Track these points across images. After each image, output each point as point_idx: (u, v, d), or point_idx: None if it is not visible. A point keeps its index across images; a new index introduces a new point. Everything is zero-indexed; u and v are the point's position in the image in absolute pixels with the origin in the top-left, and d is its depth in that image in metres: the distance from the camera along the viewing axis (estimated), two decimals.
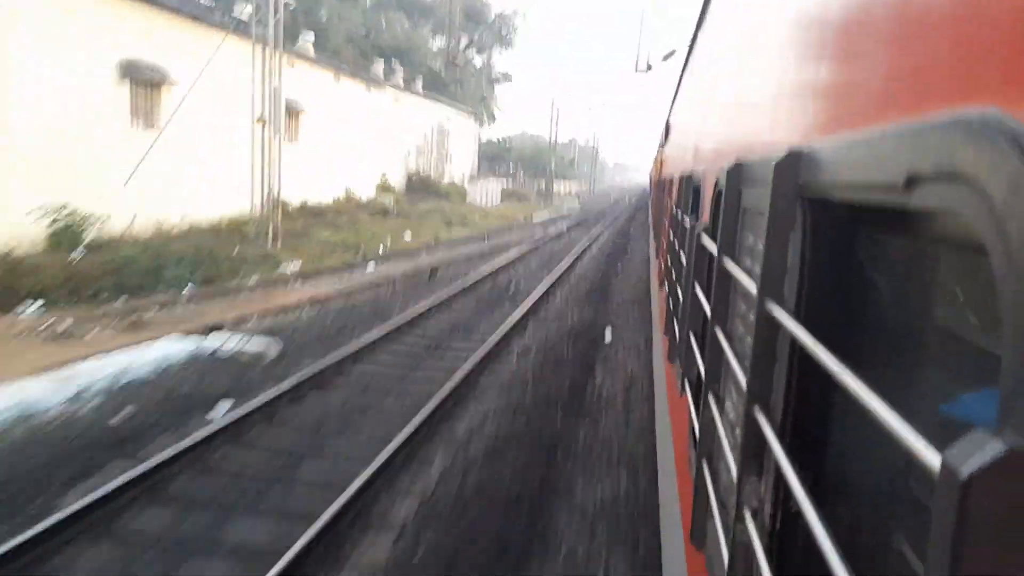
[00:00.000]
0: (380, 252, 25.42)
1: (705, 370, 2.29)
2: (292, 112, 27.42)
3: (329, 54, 36.00)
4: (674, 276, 5.43)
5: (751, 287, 1.59)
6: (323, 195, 30.21)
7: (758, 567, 1.31)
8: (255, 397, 9.20)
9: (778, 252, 1.42)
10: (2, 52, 16.12)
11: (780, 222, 1.41)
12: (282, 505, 6.89)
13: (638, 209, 50.61)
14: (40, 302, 13.91)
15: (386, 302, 16.31)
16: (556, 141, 76.28)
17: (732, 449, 1.75)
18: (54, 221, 16.96)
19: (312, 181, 30.00)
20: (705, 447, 2.21)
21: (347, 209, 32.79)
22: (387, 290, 18.04)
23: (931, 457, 0.65)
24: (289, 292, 17.10)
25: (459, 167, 54.55)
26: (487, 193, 56.01)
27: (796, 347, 1.37)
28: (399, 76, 44.57)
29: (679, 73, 8.74)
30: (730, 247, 2.13)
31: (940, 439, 0.65)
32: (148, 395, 9.50)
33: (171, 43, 21.85)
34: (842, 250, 1.37)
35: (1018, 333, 0.59)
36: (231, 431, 8.27)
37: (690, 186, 4.70)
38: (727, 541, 1.64)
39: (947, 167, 0.73)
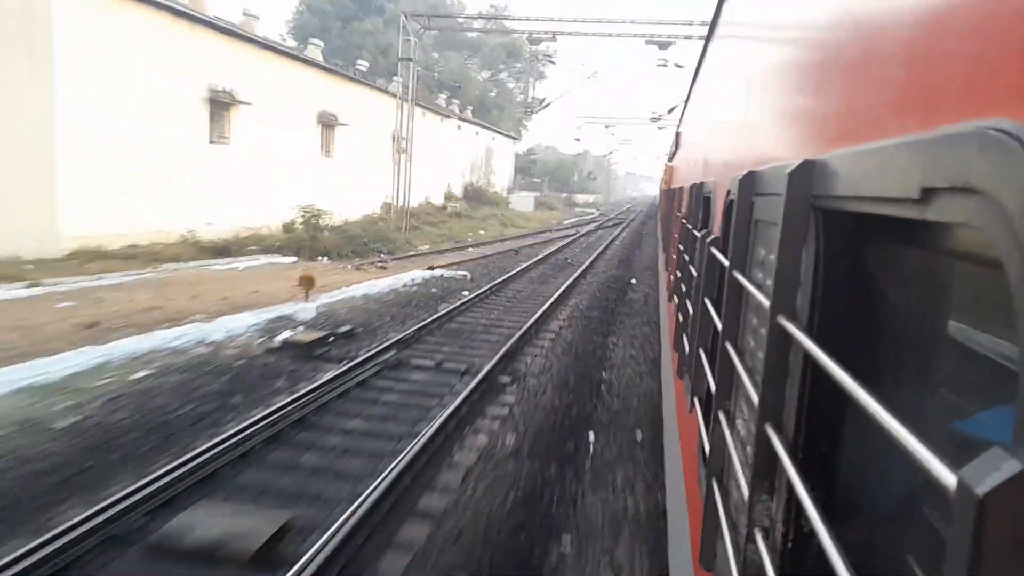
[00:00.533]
0: (470, 240, 31.39)
1: (715, 386, 1.99)
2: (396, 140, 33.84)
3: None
4: (684, 290, 4.79)
5: (763, 300, 1.35)
6: (412, 201, 33.55)
7: None
8: (476, 291, 16.00)
9: (790, 264, 1.21)
10: (266, 128, 25.20)
11: (793, 233, 1.20)
12: (507, 318, 13.37)
13: (649, 216, 53.38)
14: (326, 256, 22.06)
15: (500, 264, 22.69)
16: (581, 162, 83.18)
17: (743, 467, 1.49)
18: (305, 213, 23.61)
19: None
20: (715, 465, 1.90)
21: (428, 212, 38.48)
22: (495, 259, 24.37)
23: (947, 476, 0.55)
24: (439, 259, 23.38)
25: (500, 179, 59.85)
26: (523, 201, 60.36)
27: (809, 362, 1.15)
28: (455, 106, 49.54)
29: (690, 83, 7.47)
30: (741, 259, 1.82)
31: (955, 457, 0.56)
32: (434, 285, 17.44)
33: (344, 100, 30.97)
34: (855, 262, 1.17)
35: None
36: (473, 301, 14.96)
37: (700, 197, 4.12)
38: (737, 562, 1.38)
39: (962, 179, 0.63)
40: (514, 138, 64.98)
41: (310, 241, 22.45)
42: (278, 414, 7.24)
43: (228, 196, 22.94)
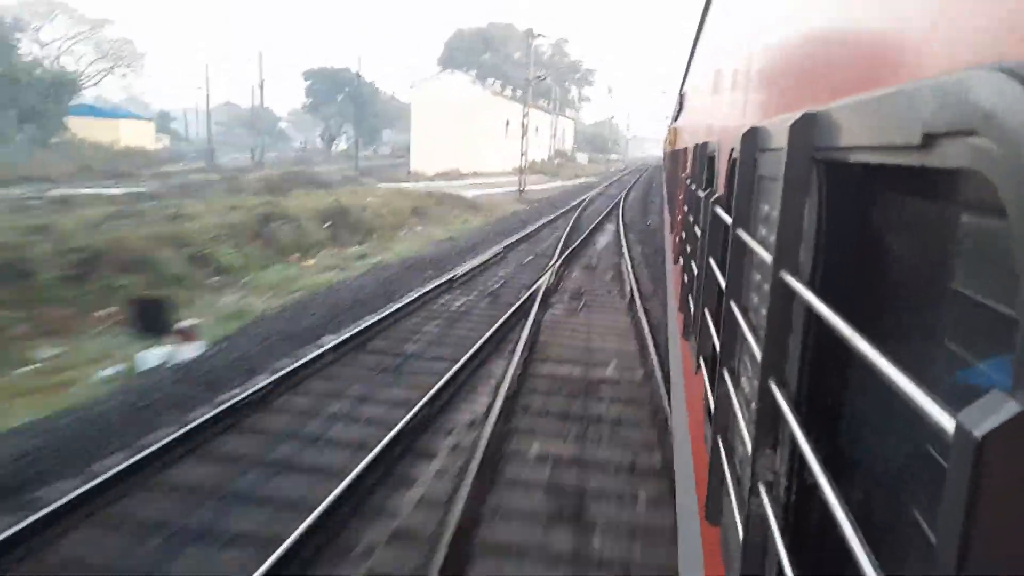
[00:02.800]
0: (575, 176, 65.33)
1: (720, 345, 1.99)
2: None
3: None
4: (688, 251, 4.78)
5: (766, 256, 1.34)
6: (532, 158, 59.95)
7: (773, 540, 1.11)
8: (600, 184, 54.53)
9: (793, 219, 1.20)
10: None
11: (795, 187, 1.18)
12: (615, 189, 48.14)
13: (655, 168, 73.91)
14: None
15: (598, 182, 57.19)
16: (606, 131, 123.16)
17: (747, 423, 1.51)
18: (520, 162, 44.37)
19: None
20: (720, 422, 1.91)
21: (544, 162, 69.74)
22: (597, 181, 59.61)
23: (945, 420, 0.55)
24: (574, 179, 62.22)
25: (567, 145, 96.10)
26: (582, 158, 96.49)
27: (812, 317, 1.15)
28: (543, 101, 77.74)
29: (692, 41, 7.21)
30: (745, 217, 1.81)
31: (957, 405, 0.55)
32: (585, 185, 54.31)
33: (495, 110, 59.42)
34: (858, 215, 1.16)
35: None
36: (601, 187, 50.98)
37: (704, 156, 4.06)
38: (742, 515, 1.39)
39: (964, 122, 0.61)
40: (572, 119, 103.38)
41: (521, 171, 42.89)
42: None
43: (479, 155, 55.15)
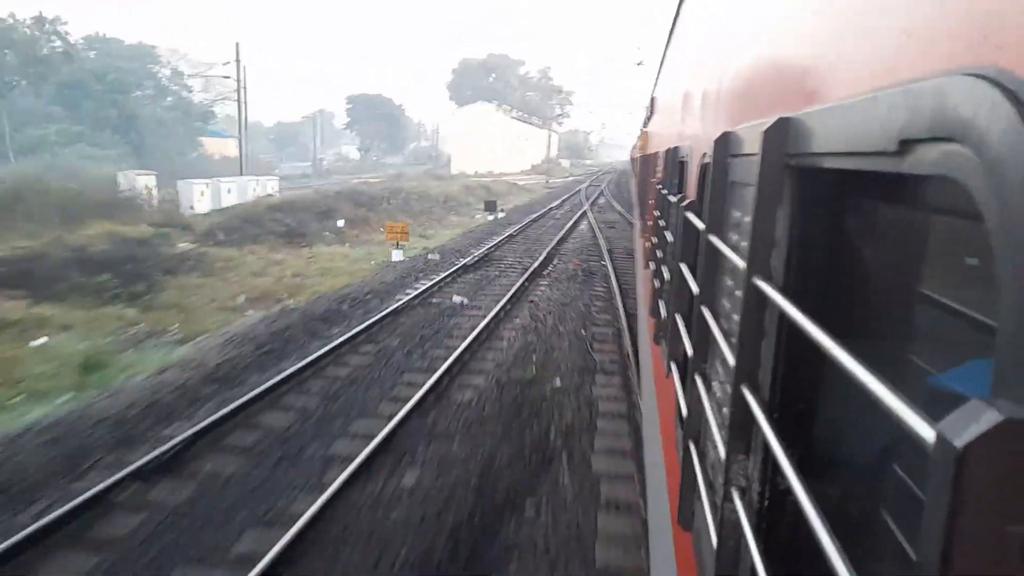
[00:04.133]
0: (567, 175, 74.44)
1: (692, 350, 1.89)
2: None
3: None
4: (660, 256, 4.53)
5: (739, 262, 1.25)
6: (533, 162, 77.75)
7: (746, 545, 1.03)
8: (585, 181, 61.42)
9: (766, 224, 1.10)
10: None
11: (768, 193, 1.09)
12: (587, 183, 56.22)
13: (621, 172, 76.87)
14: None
15: (584, 179, 65.32)
16: (581, 139, 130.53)
17: (720, 428, 1.41)
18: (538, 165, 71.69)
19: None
20: (692, 427, 1.81)
21: (535, 165, 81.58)
22: (582, 178, 67.85)
23: (925, 430, 0.52)
24: (560, 178, 68.30)
25: (553, 152, 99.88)
26: (564, 163, 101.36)
27: (784, 322, 1.06)
28: (536, 118, 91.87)
29: (664, 45, 6.68)
30: (717, 223, 1.70)
31: (933, 412, 0.53)
32: (570, 183, 61.56)
33: (508, 127, 79.65)
34: (832, 221, 1.08)
35: (1014, 300, 0.48)
36: (584, 181, 61.31)
37: (676, 161, 3.87)
38: (715, 521, 1.29)
39: (940, 128, 0.57)
40: (556, 132, 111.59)
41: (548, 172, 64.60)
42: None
43: (503, 162, 71.98)
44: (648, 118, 12.41)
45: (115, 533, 5.24)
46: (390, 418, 7.10)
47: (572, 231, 24.31)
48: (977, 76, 0.53)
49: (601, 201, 39.49)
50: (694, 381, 1.75)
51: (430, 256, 18.00)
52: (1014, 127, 0.47)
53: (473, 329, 10.42)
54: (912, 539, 0.83)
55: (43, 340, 10.11)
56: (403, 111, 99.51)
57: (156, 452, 6.24)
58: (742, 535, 1.07)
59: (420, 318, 11.62)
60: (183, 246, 19.30)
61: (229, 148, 66.39)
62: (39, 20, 45.17)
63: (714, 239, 1.62)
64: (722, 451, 1.28)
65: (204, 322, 11.59)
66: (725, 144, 1.61)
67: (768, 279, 1.09)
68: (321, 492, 5.64)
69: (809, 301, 0.92)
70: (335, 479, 5.85)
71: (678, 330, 2.50)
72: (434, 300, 12.99)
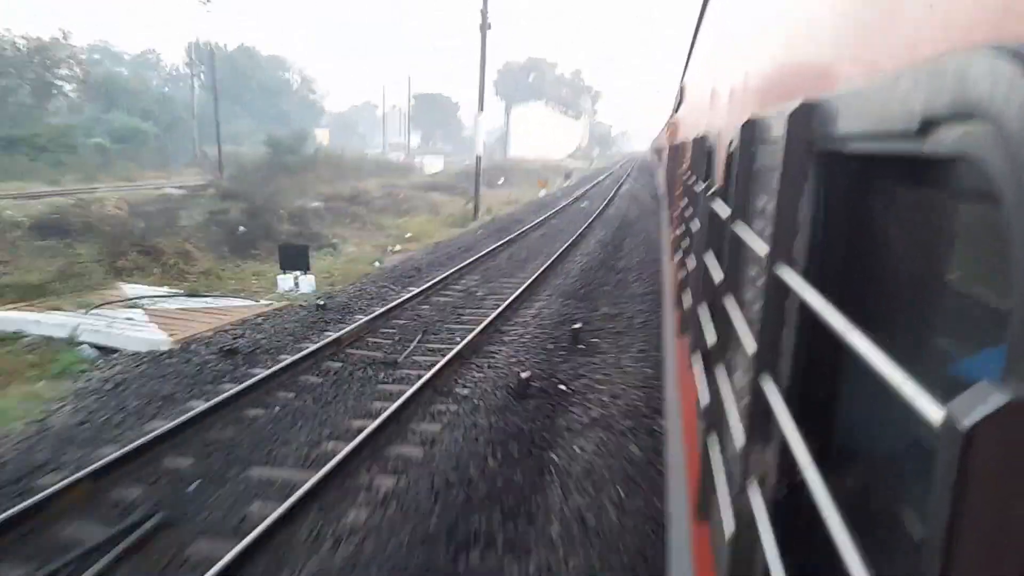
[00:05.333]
0: (599, 162, 79.16)
1: (715, 340, 1.77)
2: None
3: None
4: (685, 247, 4.29)
5: (763, 251, 1.15)
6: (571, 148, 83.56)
7: (762, 536, 0.95)
8: (620, 162, 75.86)
9: (789, 211, 1.02)
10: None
11: (792, 178, 1.00)
12: (624, 165, 64.67)
13: (642, 160, 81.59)
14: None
15: (615, 163, 72.91)
16: (605, 130, 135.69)
17: (740, 419, 1.32)
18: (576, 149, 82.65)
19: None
20: (712, 418, 1.70)
21: (574, 154, 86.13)
22: (618, 162, 74.74)
23: (934, 412, 0.50)
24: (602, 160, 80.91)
25: (586, 141, 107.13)
26: (596, 151, 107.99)
27: (806, 310, 0.94)
28: (569, 112, 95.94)
29: (692, 32, 6.37)
30: (743, 210, 1.58)
31: (951, 398, 0.49)
32: (611, 164, 71.63)
33: (554, 120, 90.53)
34: (855, 206, 0.98)
35: None
36: (621, 163, 72.67)
37: (703, 149, 3.68)
38: (732, 511, 1.22)
39: (962, 105, 0.54)
40: (589, 122, 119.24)
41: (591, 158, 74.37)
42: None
43: (549, 150, 77.39)
44: (677, 106, 12.21)
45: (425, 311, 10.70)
46: (566, 243, 15.82)
47: (623, 184, 38.55)
48: (998, 51, 0.49)
49: (634, 173, 52.53)
50: (716, 372, 1.63)
51: (559, 192, 33.22)
52: None
53: (595, 211, 23.12)
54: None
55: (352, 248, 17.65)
56: (459, 107, 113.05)
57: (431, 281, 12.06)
58: (758, 526, 0.99)
59: (569, 213, 23.84)
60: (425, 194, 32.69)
61: (325, 136, 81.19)
62: (242, 49, 69.14)
63: (739, 226, 1.49)
64: (741, 442, 1.20)
65: (437, 232, 19.72)
66: (751, 130, 1.46)
67: (790, 266, 1.01)
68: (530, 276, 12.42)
69: (831, 288, 0.86)
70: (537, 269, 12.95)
71: (700, 321, 2.44)
72: (570, 207, 25.69)
